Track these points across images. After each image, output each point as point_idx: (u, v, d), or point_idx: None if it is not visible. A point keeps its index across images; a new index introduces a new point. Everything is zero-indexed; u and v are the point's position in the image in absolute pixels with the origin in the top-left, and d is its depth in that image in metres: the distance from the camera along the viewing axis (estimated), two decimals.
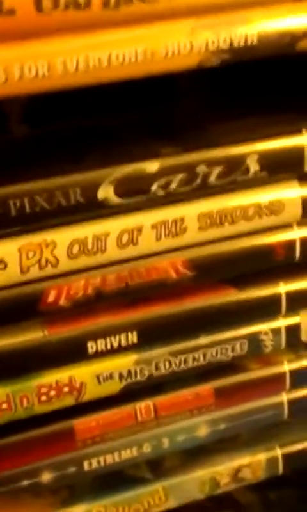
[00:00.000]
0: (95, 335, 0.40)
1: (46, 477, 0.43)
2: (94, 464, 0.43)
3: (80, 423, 0.43)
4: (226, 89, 0.46)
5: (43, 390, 0.40)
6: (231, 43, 0.34)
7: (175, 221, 0.38)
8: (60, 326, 0.40)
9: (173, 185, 0.37)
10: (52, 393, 0.41)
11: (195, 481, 0.46)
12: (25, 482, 0.42)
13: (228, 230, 0.39)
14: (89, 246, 0.38)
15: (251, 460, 0.47)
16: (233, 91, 0.46)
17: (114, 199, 0.37)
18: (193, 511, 0.51)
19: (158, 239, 0.38)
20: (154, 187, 0.37)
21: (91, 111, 0.43)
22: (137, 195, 0.37)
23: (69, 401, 0.41)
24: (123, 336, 0.41)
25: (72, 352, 0.40)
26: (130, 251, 0.38)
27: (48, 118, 0.42)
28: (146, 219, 0.38)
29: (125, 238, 0.38)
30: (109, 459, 0.44)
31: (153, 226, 0.38)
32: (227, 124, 0.41)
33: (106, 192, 0.37)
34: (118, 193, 0.37)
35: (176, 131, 0.40)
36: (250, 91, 0.45)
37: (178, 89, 0.45)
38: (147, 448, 0.44)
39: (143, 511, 0.46)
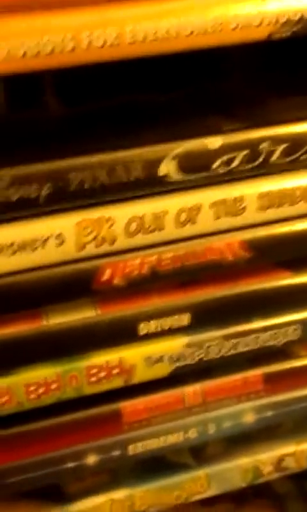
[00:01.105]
0: (147, 316, 0.39)
1: (91, 459, 0.42)
2: (140, 448, 0.42)
3: (128, 406, 0.41)
4: (275, 64, 0.44)
5: (93, 370, 0.39)
6: (302, 15, 0.33)
7: (234, 201, 0.37)
8: (112, 305, 0.39)
9: (235, 163, 0.36)
10: (102, 374, 0.39)
11: (238, 469, 0.45)
12: (70, 464, 0.41)
13: (287, 210, 0.38)
14: (147, 224, 0.36)
15: (295, 449, 0.46)
16: (283, 66, 0.44)
17: (175, 175, 0.35)
18: (229, 499, 0.50)
19: (216, 218, 0.37)
20: (216, 164, 0.36)
21: (133, 87, 0.42)
22: (198, 172, 0.36)
23: (118, 383, 0.40)
24: (175, 318, 0.39)
25: (123, 333, 0.39)
26: (188, 230, 0.37)
27: (81, 93, 0.41)
28: (205, 197, 0.37)
29: (183, 216, 0.37)
30: (155, 443, 0.42)
31: (212, 205, 0.37)
32: (285, 100, 0.40)
33: (167, 168, 0.35)
34: (179, 169, 0.35)
35: (235, 107, 0.39)
36: (300, 66, 0.44)
37: (227, 63, 0.44)
38: (193, 434, 0.43)
39: (185, 498, 0.44)
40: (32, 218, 0.35)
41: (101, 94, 0.41)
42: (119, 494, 0.43)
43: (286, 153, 0.36)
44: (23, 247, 0.35)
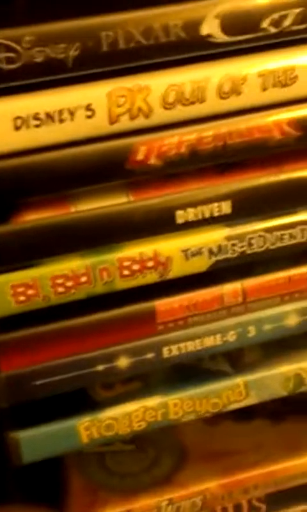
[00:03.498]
0: (185, 203, 0.36)
1: (123, 362, 0.39)
2: (174, 351, 0.39)
3: (163, 304, 0.38)
4: None
5: (126, 263, 0.36)
6: None
7: (285, 70, 0.33)
8: (147, 191, 0.35)
9: (287, 22, 0.32)
10: (135, 267, 0.36)
11: (278, 377, 0.42)
12: (101, 367, 0.38)
13: None
14: (187, 95, 0.33)
15: None
16: None
17: (219, 36, 0.32)
18: (266, 415, 0.48)
19: (264, 89, 0.33)
20: (265, 24, 0.32)
21: None
22: (245, 33, 0.32)
23: (153, 277, 0.37)
24: (215, 206, 0.36)
25: (159, 221, 0.36)
26: (232, 103, 0.33)
27: None
28: (252, 65, 0.33)
29: (226, 86, 0.33)
30: (190, 346, 0.40)
31: (260, 75, 0.33)
32: None
33: (210, 27, 0.31)
34: (223, 29, 0.32)
35: None
36: None
37: None
38: (232, 337, 0.40)
39: (222, 406, 0.42)
40: (60, 86, 0.31)
41: None
42: (153, 401, 0.40)
43: None
44: (49, 118, 0.31)
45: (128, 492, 0.44)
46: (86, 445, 0.40)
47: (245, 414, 0.46)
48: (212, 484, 0.44)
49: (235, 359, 0.43)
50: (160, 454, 0.46)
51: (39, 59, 0.30)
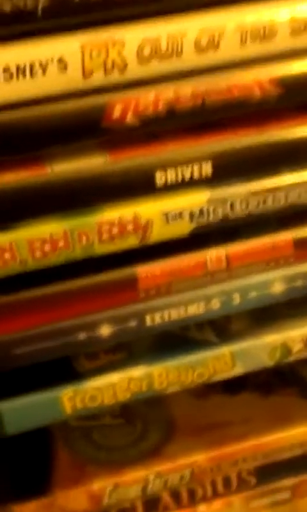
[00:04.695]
0: (165, 164, 0.34)
1: (105, 330, 0.37)
2: (157, 319, 0.38)
3: (144, 271, 0.36)
4: None
5: (105, 227, 0.34)
6: None
7: (264, 23, 0.31)
8: (125, 151, 0.34)
9: None
10: (115, 230, 0.35)
11: (265, 347, 0.41)
12: (82, 336, 0.37)
13: None
14: (163, 48, 0.31)
15: None
16: None
17: None
18: (254, 388, 0.47)
19: (243, 42, 0.32)
20: None
21: None
22: None
23: (133, 241, 0.35)
24: (196, 167, 0.34)
25: (138, 183, 0.34)
26: (210, 57, 0.31)
27: None
28: (230, 18, 0.31)
29: (204, 40, 0.31)
30: (174, 314, 0.38)
31: (238, 28, 0.31)
32: None
33: None
34: None
35: None
36: None
37: None
38: (216, 305, 0.38)
39: (208, 376, 0.40)
40: (30, 37, 0.29)
41: None
42: (137, 371, 0.39)
43: None
44: (20, 71, 0.29)
45: (116, 466, 0.42)
46: (69, 416, 0.39)
47: (233, 386, 0.45)
48: (200, 457, 0.42)
49: (221, 328, 0.41)
50: (148, 427, 0.44)
51: (7, 8, 0.28)
